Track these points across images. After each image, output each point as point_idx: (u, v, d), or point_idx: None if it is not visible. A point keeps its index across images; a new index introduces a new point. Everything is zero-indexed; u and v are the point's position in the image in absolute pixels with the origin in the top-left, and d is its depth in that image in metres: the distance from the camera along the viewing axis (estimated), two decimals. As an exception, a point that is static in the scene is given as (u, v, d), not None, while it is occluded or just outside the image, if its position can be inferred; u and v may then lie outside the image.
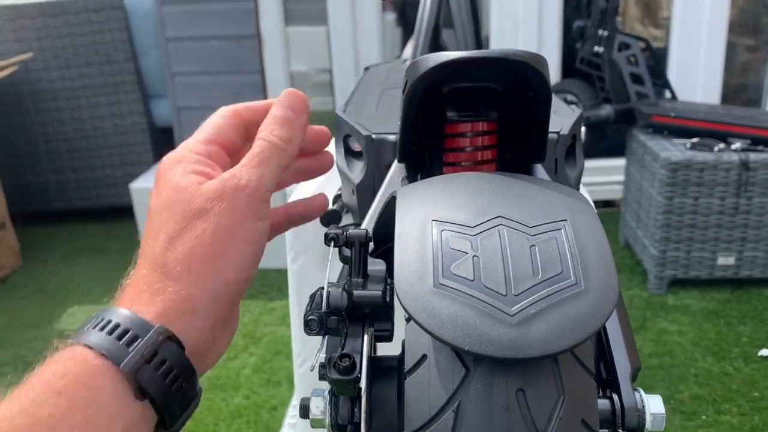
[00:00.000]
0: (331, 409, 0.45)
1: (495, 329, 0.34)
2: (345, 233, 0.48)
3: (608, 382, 0.48)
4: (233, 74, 2.93)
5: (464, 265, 0.36)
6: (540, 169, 0.60)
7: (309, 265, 0.79)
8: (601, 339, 0.50)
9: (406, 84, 0.53)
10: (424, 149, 0.60)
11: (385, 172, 0.67)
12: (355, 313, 0.45)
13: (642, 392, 0.47)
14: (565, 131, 0.67)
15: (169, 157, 0.45)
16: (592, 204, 0.44)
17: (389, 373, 0.45)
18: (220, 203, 0.41)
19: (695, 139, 2.24)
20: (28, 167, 3.13)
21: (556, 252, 0.37)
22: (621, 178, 2.69)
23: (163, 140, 3.19)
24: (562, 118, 0.72)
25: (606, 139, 2.76)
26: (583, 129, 1.18)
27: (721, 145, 2.19)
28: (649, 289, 2.33)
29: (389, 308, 0.46)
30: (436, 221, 0.40)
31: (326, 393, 0.46)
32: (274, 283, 2.55)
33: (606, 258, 0.37)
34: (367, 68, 1.20)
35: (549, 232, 0.38)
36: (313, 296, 0.47)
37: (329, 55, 3.10)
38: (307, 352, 0.83)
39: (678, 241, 2.26)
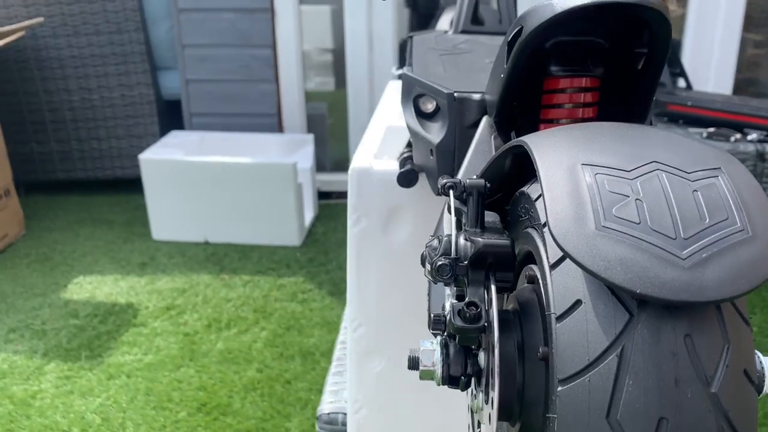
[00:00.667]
0: (444, 360, 0.44)
1: (667, 272, 0.33)
2: (462, 183, 0.47)
3: None
4: (245, 47, 2.90)
5: (628, 208, 0.35)
6: None
7: (371, 227, 0.78)
8: None
9: (515, 35, 0.52)
10: (521, 107, 0.59)
11: (467, 132, 0.66)
12: (479, 263, 0.44)
13: (760, 355, 0.47)
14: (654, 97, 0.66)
15: None
16: (741, 163, 0.43)
17: (505, 328, 0.44)
18: None
19: (711, 129, 2.24)
20: (32, 136, 3.08)
21: (719, 198, 0.36)
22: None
23: (170, 113, 3.15)
24: None
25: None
26: None
27: (738, 136, 2.19)
28: (659, 277, 2.34)
29: (514, 258, 0.45)
30: (586, 165, 0.39)
31: (436, 344, 0.46)
32: (283, 260, 2.54)
33: (766, 206, 0.37)
34: (410, 37, 1.19)
35: (708, 178, 0.37)
36: (431, 246, 0.46)
37: (334, 34, 3.08)
38: (363, 316, 0.82)
39: (690, 230, 2.26)
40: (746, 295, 0.34)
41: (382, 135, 0.89)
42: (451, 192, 0.48)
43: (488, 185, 0.48)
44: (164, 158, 2.61)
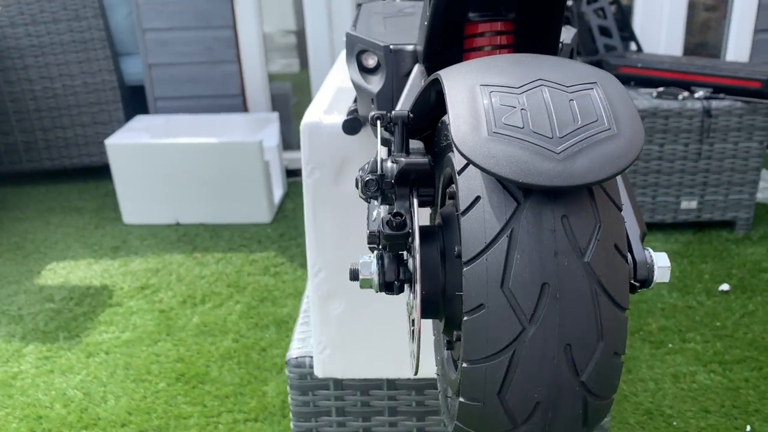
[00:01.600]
0: (379, 269, 0.51)
1: (545, 164, 0.40)
2: (388, 114, 0.54)
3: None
4: (205, 29, 2.92)
5: (514, 116, 0.42)
6: None
7: (324, 178, 0.84)
8: None
9: None
10: (446, 52, 0.65)
11: (403, 81, 0.72)
12: (403, 179, 0.51)
13: (651, 251, 0.54)
14: (567, 41, 0.73)
15: None
16: (615, 78, 0.50)
17: (430, 237, 0.51)
18: None
19: (661, 89, 2.33)
20: (-5, 127, 3.08)
21: (591, 105, 0.43)
22: (589, 129, 2.78)
23: (135, 98, 3.16)
24: (563, 34, 0.78)
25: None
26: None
27: (685, 94, 2.29)
28: (617, 234, 2.43)
29: (433, 175, 0.51)
30: (484, 85, 0.45)
31: (373, 257, 0.52)
32: (254, 237, 2.59)
33: (632, 111, 0.44)
34: (359, 5, 1.25)
35: (584, 90, 0.44)
36: (363, 168, 0.52)
37: (297, 16, 3.11)
38: (322, 262, 0.88)
39: (644, 187, 2.36)
40: (610, 180, 0.41)
41: (333, 94, 0.95)
42: (378, 122, 0.55)
43: (411, 115, 0.54)
44: (130, 142, 2.64)
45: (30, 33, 2.94)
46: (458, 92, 0.46)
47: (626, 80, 2.47)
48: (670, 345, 1.84)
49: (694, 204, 2.39)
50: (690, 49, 3.27)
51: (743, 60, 3.05)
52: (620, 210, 0.44)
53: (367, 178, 0.50)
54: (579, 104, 0.43)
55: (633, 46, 2.74)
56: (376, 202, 0.52)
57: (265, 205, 2.66)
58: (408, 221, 0.48)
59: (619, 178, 0.57)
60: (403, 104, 0.64)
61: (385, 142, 0.57)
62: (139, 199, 2.69)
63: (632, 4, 3.02)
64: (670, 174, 2.34)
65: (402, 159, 0.51)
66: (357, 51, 0.80)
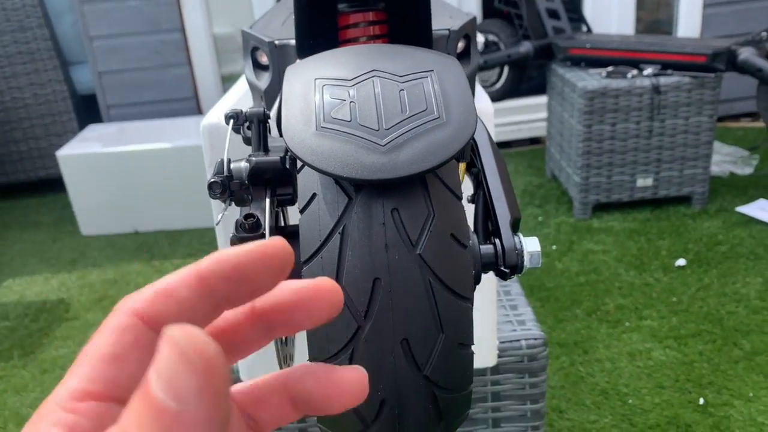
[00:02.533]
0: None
1: (369, 157, 0.39)
2: (243, 113, 0.52)
3: (493, 231, 0.54)
4: (153, 33, 2.88)
5: (342, 110, 0.41)
6: None
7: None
8: (485, 195, 0.56)
9: None
10: (320, 45, 0.63)
11: None
12: (256, 179, 0.49)
13: (521, 236, 0.53)
14: (455, 28, 0.71)
15: None
16: (459, 64, 0.49)
17: (293, 237, 0.50)
18: None
19: (610, 68, 2.34)
20: (-54, 145, 3.02)
21: (422, 94, 0.42)
22: (546, 115, 2.78)
23: (87, 107, 3.12)
24: (454, 19, 0.77)
25: (529, 77, 2.84)
26: (480, 37, 1.24)
27: (634, 72, 2.30)
28: (575, 215, 2.44)
29: (290, 173, 0.50)
30: (319, 79, 0.44)
31: None
32: (213, 241, 2.56)
33: (466, 98, 0.42)
34: (277, 1, 1.23)
35: (417, 79, 0.43)
36: (214, 167, 0.51)
37: (249, 16, 3.07)
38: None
39: (599, 167, 2.37)
40: (446, 173, 0.40)
41: (241, 94, 0.93)
42: (231, 121, 0.53)
43: (268, 113, 0.53)
44: (82, 152, 2.59)
45: (-26, 47, 2.88)
46: (294, 87, 0.44)
47: (576, 61, 2.47)
48: (627, 323, 1.85)
49: (649, 181, 2.40)
50: (645, 28, 3.28)
51: (695, 36, 3.06)
52: (459, 198, 0.43)
53: (212, 180, 0.49)
54: (409, 94, 0.42)
55: (584, 28, 2.74)
56: (228, 205, 0.51)
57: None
58: (261, 222, 0.46)
59: (491, 162, 0.56)
60: (277, 101, 0.62)
61: (248, 141, 0.56)
62: (95, 209, 2.65)
63: (582, -15, 3.02)
64: (623, 153, 2.35)
65: (253, 158, 0.50)
66: (251, 48, 0.78)
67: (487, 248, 0.51)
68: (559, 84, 2.49)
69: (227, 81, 3.20)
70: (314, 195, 0.41)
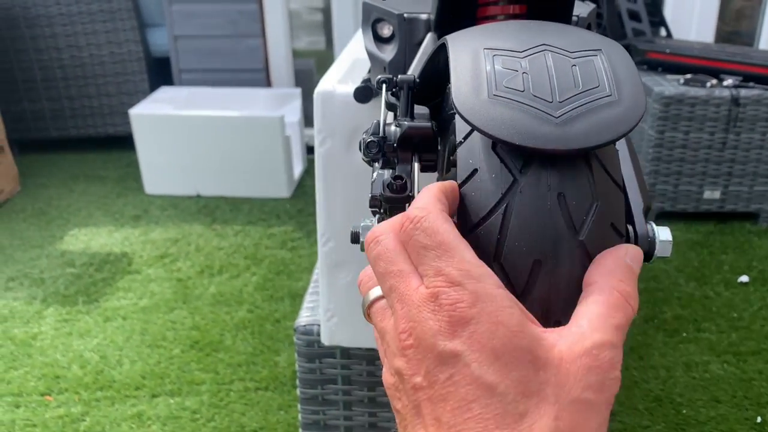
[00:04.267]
0: (380, 231, 0.51)
1: (543, 128, 0.40)
2: (395, 79, 0.54)
3: (626, 218, 0.55)
4: (231, 3, 2.92)
5: (515, 80, 0.42)
6: None
7: (335, 148, 0.84)
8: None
9: None
10: (458, 21, 0.65)
11: (416, 50, 0.72)
12: (405, 143, 0.51)
13: (653, 224, 0.54)
14: (584, 15, 0.72)
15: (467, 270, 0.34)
16: (622, 47, 0.49)
17: None
18: (602, 395, 0.31)
19: (688, 75, 2.29)
20: (24, 94, 3.12)
21: (594, 71, 0.42)
22: (613, 115, 2.74)
23: (160, 69, 3.19)
24: (579, 7, 0.77)
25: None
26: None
27: (714, 81, 2.25)
28: (637, 221, 2.41)
29: (436, 140, 0.51)
30: (488, 49, 0.45)
31: (374, 220, 0.52)
32: (273, 211, 2.60)
33: (635, 79, 0.43)
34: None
35: (587, 57, 0.44)
36: (367, 131, 0.52)
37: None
38: (331, 231, 0.88)
39: (667, 175, 2.33)
40: (609, 149, 0.41)
41: (350, 64, 0.95)
42: (384, 86, 0.55)
43: (417, 80, 0.54)
44: (154, 113, 2.66)
45: (59, 2, 2.97)
46: (462, 56, 0.46)
47: (654, 66, 2.43)
48: (684, 334, 1.83)
49: (717, 194, 2.35)
50: (724, 38, 3.20)
51: (776, 49, 2.98)
52: (620, 188, 0.44)
53: (369, 140, 0.50)
54: (581, 70, 0.43)
55: (663, 32, 2.69)
56: (377, 165, 0.52)
57: (284, 180, 2.67)
58: (408, 185, 0.48)
59: (624, 150, 0.57)
60: (413, 70, 0.63)
61: (391, 107, 0.57)
62: (161, 169, 2.72)
63: (664, -12, 2.96)
64: (693, 163, 2.30)
65: (405, 123, 0.51)
66: (372, 20, 0.79)
67: None
68: (634, 87, 2.46)
69: (298, 56, 3.23)
70: (475, 170, 0.42)
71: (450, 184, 0.40)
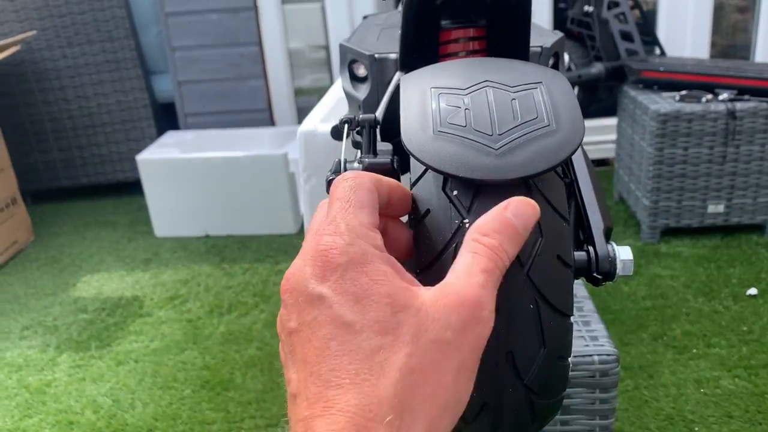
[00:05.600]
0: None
1: (483, 160, 0.42)
2: (356, 118, 0.57)
3: (586, 239, 0.56)
4: (232, 46, 3.00)
5: (458, 116, 0.44)
6: None
7: (320, 184, 0.87)
8: (578, 205, 0.58)
9: None
10: (422, 59, 0.67)
11: (387, 88, 0.75)
12: None
13: (614, 245, 0.56)
14: (547, 45, 0.74)
15: (343, 247, 0.34)
16: (564, 78, 0.51)
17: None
18: (464, 335, 0.32)
19: (684, 92, 2.31)
20: (35, 146, 3.20)
21: (533, 103, 0.45)
22: (614, 137, 2.76)
23: (166, 115, 3.26)
24: (545, 37, 0.80)
25: (599, 98, 2.83)
26: (567, 57, 1.27)
27: (709, 96, 2.26)
28: (643, 239, 2.41)
29: (397, 175, 0.54)
30: (434, 88, 0.48)
31: None
32: (281, 248, 2.63)
33: (574, 109, 0.45)
34: (365, 17, 1.28)
35: (527, 90, 0.46)
36: (332, 165, 0.55)
37: (325, 31, 3.16)
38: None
39: (669, 191, 2.34)
40: (553, 195, 0.43)
41: (333, 104, 0.98)
42: (346, 126, 0.57)
43: (379, 119, 0.57)
44: (160, 157, 2.71)
45: (66, 54, 3.06)
46: (411, 95, 0.48)
47: (649, 84, 2.45)
48: (695, 350, 1.81)
49: (721, 208, 2.35)
50: (721, 52, 3.22)
51: (773, 61, 2.99)
52: (566, 221, 0.45)
53: (330, 178, 0.53)
54: (521, 103, 0.45)
55: (657, 51, 2.72)
56: None
57: (290, 216, 2.71)
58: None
59: (584, 173, 0.59)
60: (381, 109, 0.66)
61: (357, 145, 0.60)
62: (169, 212, 2.76)
63: (656, 8, 2.99)
64: (695, 178, 2.31)
65: (366, 159, 0.54)
66: (348, 60, 0.83)
67: (580, 255, 0.54)
68: (631, 106, 2.48)
69: (301, 95, 3.29)
70: (428, 210, 0.44)
71: (395, 183, 0.42)
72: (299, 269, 0.34)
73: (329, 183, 0.52)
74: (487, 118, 0.44)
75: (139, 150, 3.06)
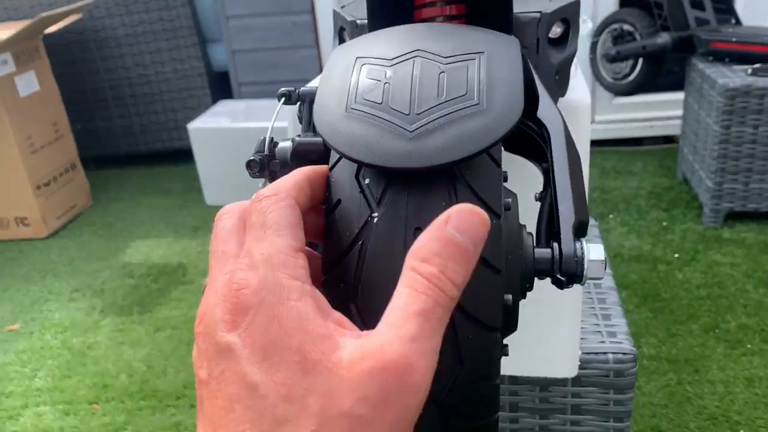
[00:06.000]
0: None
1: (393, 143, 0.36)
2: (297, 90, 0.51)
3: (554, 234, 0.50)
4: (285, 15, 2.96)
5: (375, 91, 0.38)
6: None
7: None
8: (551, 195, 0.51)
9: None
10: (391, 23, 0.61)
11: None
12: (301, 159, 0.48)
13: (584, 242, 0.48)
14: (548, 11, 0.66)
15: (264, 264, 0.30)
16: (519, 46, 0.44)
17: None
18: (385, 410, 0.26)
19: (757, 65, 2.13)
20: (96, 113, 3.28)
21: (464, 77, 0.38)
22: (681, 112, 2.59)
23: (221, 84, 3.27)
24: (553, 2, 0.71)
25: (665, 71, 2.65)
26: (586, 21, 1.14)
27: (785, 70, 2.08)
28: (704, 223, 2.26)
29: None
30: (360, 58, 0.42)
31: None
32: (326, 219, 2.61)
33: (514, 84, 0.38)
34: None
35: (462, 61, 0.39)
36: (256, 144, 0.50)
37: None
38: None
39: (735, 173, 2.17)
40: (469, 160, 0.36)
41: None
42: (282, 99, 0.52)
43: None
44: (211, 126, 2.73)
45: (125, 23, 3.10)
46: (333, 66, 0.42)
47: (720, 56, 2.27)
48: (749, 345, 1.69)
49: (794, 192, 2.17)
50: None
51: None
52: (497, 215, 0.39)
53: (249, 159, 0.48)
54: (449, 77, 0.38)
55: (732, 21, 2.51)
56: (263, 181, 0.50)
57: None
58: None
59: (562, 156, 0.51)
60: None
61: (300, 119, 0.55)
62: (219, 181, 2.78)
63: (735, -27, 2.77)
64: (765, 159, 2.13)
65: (296, 138, 0.49)
66: (338, 27, 0.77)
67: (543, 252, 0.47)
68: (698, 80, 2.31)
69: (352, 63, 3.24)
70: (339, 201, 0.39)
71: (321, 169, 0.38)
72: (210, 309, 0.30)
73: (248, 164, 0.48)
74: (407, 95, 0.38)
75: (194, 118, 3.09)
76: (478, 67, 0.39)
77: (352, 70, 0.41)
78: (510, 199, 0.44)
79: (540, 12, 0.66)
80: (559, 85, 0.69)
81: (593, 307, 1.00)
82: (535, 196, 0.55)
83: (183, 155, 3.30)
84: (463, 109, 0.36)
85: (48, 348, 1.96)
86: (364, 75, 0.40)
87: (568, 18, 0.72)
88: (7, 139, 2.55)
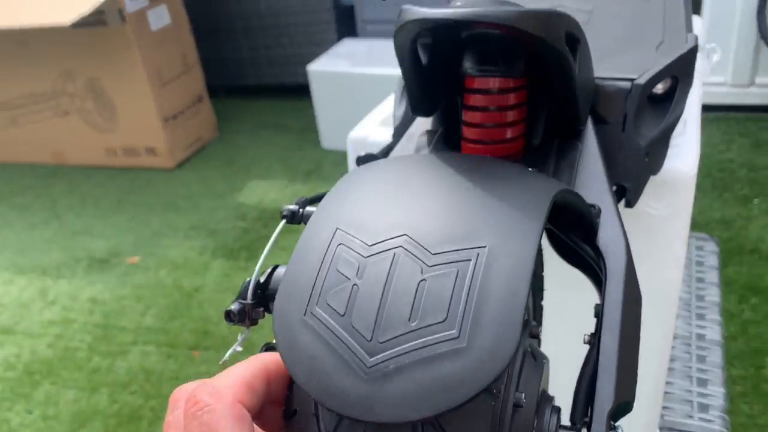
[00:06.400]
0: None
1: (346, 381, 0.29)
2: (300, 212, 0.45)
3: (586, 413, 0.41)
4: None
5: (341, 294, 0.31)
6: (578, 142, 0.49)
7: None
8: (594, 359, 0.42)
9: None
10: (436, 104, 0.52)
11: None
12: None
13: (621, 429, 0.40)
14: (642, 80, 0.53)
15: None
16: (538, 231, 0.33)
17: None
18: None
19: None
20: (227, 43, 3.33)
21: (447, 293, 0.30)
22: None
23: (348, 19, 3.19)
24: (648, 53, 0.57)
25: None
26: (716, 50, 0.96)
27: None
28: None
29: None
30: (341, 230, 0.34)
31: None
32: (438, 174, 2.53)
33: (513, 306, 0.29)
34: None
35: (452, 263, 0.31)
36: (240, 288, 0.45)
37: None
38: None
39: None
40: (440, 416, 0.29)
41: (388, 112, 0.84)
42: (283, 220, 0.45)
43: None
44: (330, 70, 2.69)
45: (257, -47, 3.07)
46: (315, 228, 0.35)
47: None
48: None
49: None
50: None
51: None
52: None
53: (227, 309, 0.42)
54: (429, 290, 0.30)
55: None
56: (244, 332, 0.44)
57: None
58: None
59: (617, 308, 0.42)
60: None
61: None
62: (336, 124, 2.76)
63: None
64: None
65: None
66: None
67: None
68: None
69: (484, 4, 3.03)
70: (296, 410, 0.33)
71: (275, 362, 0.35)
72: None
73: (227, 315, 0.42)
74: (373, 310, 0.30)
75: (319, 54, 3.06)
76: (470, 274, 0.30)
77: (326, 250, 0.33)
78: (523, 394, 0.36)
79: (632, 81, 0.53)
80: (650, 165, 0.57)
81: (689, 366, 0.88)
82: (584, 339, 0.45)
83: (305, 91, 3.29)
84: (437, 344, 0.28)
85: (161, 286, 2.07)
86: (336, 264, 0.32)
87: (678, 75, 0.58)
88: (138, 73, 2.65)
